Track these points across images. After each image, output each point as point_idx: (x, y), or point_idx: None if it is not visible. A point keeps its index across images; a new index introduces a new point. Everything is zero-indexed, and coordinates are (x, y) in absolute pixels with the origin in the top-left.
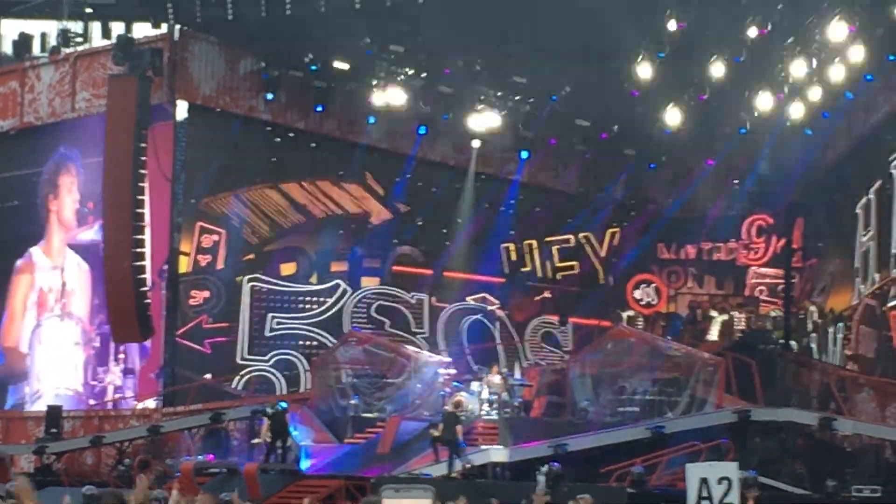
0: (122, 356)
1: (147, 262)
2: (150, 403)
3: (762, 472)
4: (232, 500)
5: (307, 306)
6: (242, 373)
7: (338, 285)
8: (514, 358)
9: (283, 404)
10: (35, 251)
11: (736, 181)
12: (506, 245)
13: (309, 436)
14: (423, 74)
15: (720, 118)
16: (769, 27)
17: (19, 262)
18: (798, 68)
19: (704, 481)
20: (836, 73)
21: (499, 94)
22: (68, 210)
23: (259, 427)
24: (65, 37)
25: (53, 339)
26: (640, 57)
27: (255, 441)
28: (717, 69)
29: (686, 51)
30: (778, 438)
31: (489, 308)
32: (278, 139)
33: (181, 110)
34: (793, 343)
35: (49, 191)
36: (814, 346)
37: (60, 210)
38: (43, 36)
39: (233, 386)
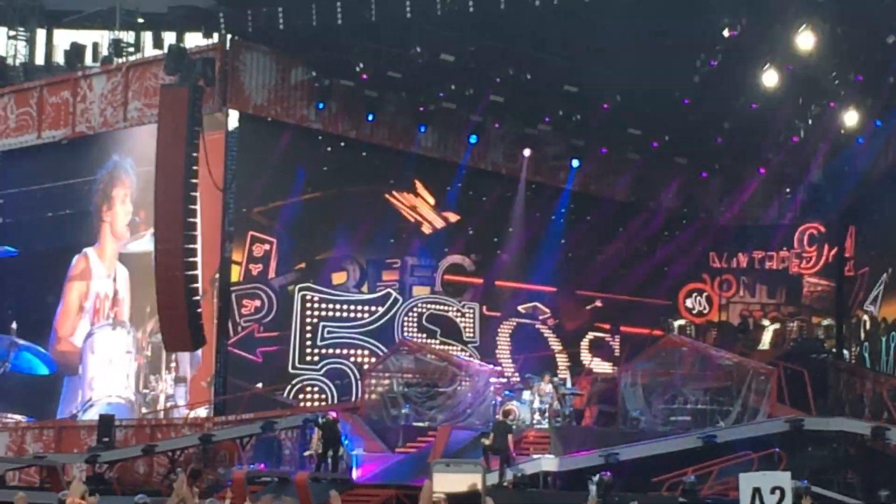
0: (173, 365)
1: (198, 272)
2: (202, 412)
3: (814, 482)
4: None
5: (358, 315)
6: (294, 382)
7: (389, 294)
8: (565, 367)
9: (333, 414)
10: (91, 252)
11: (788, 190)
12: (557, 254)
13: (360, 445)
14: (474, 83)
15: (772, 126)
16: (820, 36)
17: (74, 263)
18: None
19: (757, 491)
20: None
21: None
22: (121, 220)
23: (310, 436)
24: (117, 47)
25: (106, 348)
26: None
27: (307, 453)
28: (770, 77)
29: (738, 58)
30: (830, 448)
31: (540, 317)
32: (329, 148)
33: (233, 120)
34: (845, 352)
35: (103, 201)
36: (866, 355)
37: (114, 220)
38: (95, 46)
39: (284, 395)
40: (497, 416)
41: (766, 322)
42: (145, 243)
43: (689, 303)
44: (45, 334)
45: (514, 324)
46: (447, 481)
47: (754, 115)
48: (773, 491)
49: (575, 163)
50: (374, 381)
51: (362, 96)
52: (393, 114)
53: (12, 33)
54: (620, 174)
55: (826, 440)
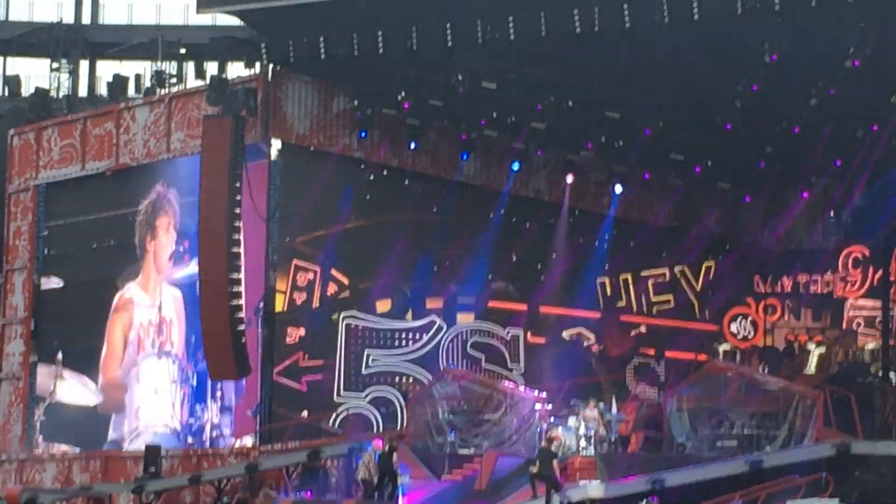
0: (219, 394)
1: (243, 301)
2: (248, 441)
3: None
4: None
5: (403, 343)
6: (339, 410)
7: (433, 322)
8: (610, 393)
9: (378, 442)
10: (133, 287)
11: (832, 213)
12: (601, 279)
13: (406, 472)
14: (517, 110)
15: (815, 149)
16: (863, 59)
17: (118, 298)
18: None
19: None
20: None
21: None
22: (165, 251)
23: (357, 464)
24: (159, 78)
25: (151, 378)
26: None
27: (360, 476)
28: (812, 101)
29: (781, 82)
30: (878, 472)
31: (585, 343)
32: (372, 176)
33: (275, 149)
34: (892, 375)
35: (146, 232)
36: None
37: (157, 251)
38: (137, 77)
39: (329, 423)
40: (542, 443)
41: (811, 346)
42: (190, 272)
43: (733, 327)
44: (90, 364)
45: (559, 350)
46: None
47: (796, 139)
48: None
49: (618, 188)
50: (419, 409)
51: (404, 124)
52: (435, 142)
53: (55, 65)
54: (663, 199)
55: (874, 464)
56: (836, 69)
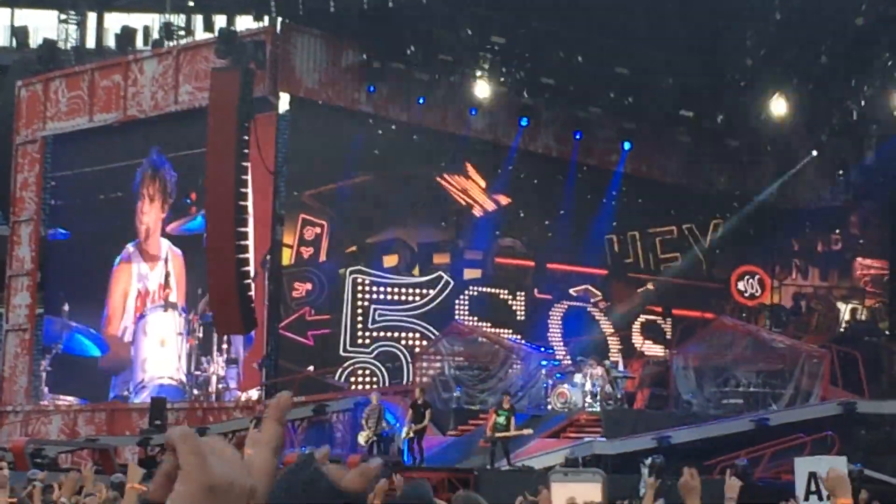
0: (225, 346)
1: (250, 255)
2: (254, 394)
3: (868, 465)
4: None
5: (410, 298)
6: (345, 365)
7: (440, 277)
8: (616, 350)
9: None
10: (131, 247)
11: (841, 172)
12: (609, 236)
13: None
14: (526, 66)
15: (826, 108)
16: (875, 17)
17: (120, 255)
18: None
19: (813, 476)
20: None
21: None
22: (163, 204)
23: (362, 420)
24: (167, 30)
25: (157, 330)
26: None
27: (363, 434)
28: (822, 59)
29: (792, 40)
30: (884, 431)
31: (592, 300)
32: (380, 131)
33: (283, 103)
34: None
35: (146, 185)
36: None
37: (157, 204)
38: (146, 29)
39: (335, 378)
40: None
41: (818, 304)
42: (196, 225)
43: (741, 285)
44: (96, 316)
45: (566, 306)
46: (566, 492)
47: (808, 96)
48: None
49: (626, 145)
50: (425, 364)
51: (413, 79)
52: (444, 97)
53: (63, 17)
54: (672, 156)
55: (879, 423)
56: (846, 27)
